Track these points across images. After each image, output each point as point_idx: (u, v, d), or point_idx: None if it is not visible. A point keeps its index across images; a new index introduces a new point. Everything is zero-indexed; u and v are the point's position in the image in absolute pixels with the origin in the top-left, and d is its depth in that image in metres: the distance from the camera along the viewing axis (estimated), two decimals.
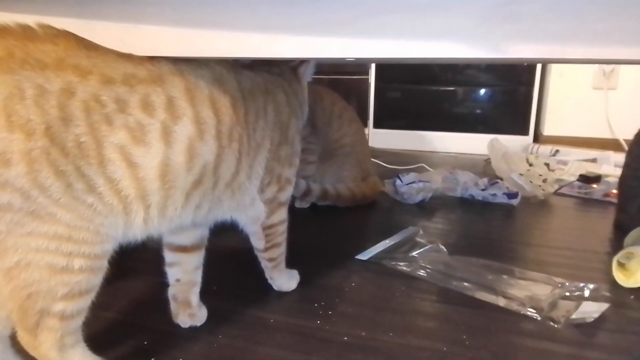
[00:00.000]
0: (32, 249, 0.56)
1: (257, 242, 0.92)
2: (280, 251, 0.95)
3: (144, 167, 0.61)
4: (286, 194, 0.90)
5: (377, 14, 0.50)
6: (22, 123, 0.52)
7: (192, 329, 0.84)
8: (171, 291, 0.86)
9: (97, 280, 0.63)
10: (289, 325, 0.86)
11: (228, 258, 1.11)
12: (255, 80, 0.79)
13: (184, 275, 0.85)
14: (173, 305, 0.86)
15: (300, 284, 0.99)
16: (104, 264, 0.63)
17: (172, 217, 0.68)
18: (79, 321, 0.63)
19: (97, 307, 0.65)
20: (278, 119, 0.83)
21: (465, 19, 0.48)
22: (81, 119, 0.56)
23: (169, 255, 0.85)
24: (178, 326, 0.85)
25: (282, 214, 0.91)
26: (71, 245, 0.58)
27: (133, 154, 0.60)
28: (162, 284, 0.87)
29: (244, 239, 0.93)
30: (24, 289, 0.57)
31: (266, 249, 0.92)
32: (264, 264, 0.96)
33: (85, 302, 0.62)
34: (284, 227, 0.93)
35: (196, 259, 0.85)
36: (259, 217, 0.87)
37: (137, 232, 0.65)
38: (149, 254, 1.00)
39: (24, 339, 0.61)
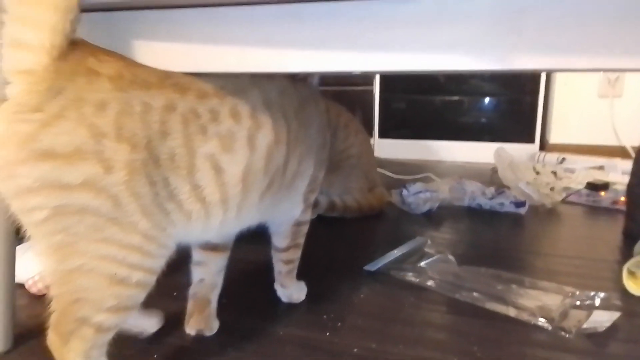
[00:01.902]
0: (101, 255, 0.56)
1: (282, 240, 0.93)
2: (298, 255, 0.96)
3: (228, 172, 0.65)
4: (314, 196, 0.95)
5: (384, 28, 0.51)
6: (129, 136, 0.56)
7: (201, 342, 0.84)
8: (192, 290, 0.86)
9: (143, 296, 0.63)
10: (298, 338, 0.86)
11: (237, 271, 1.11)
12: (306, 90, 0.84)
13: (208, 276, 0.86)
14: (190, 305, 0.86)
15: (308, 296, 0.99)
16: (153, 281, 0.64)
17: (245, 218, 0.73)
18: (109, 336, 0.63)
19: None
20: (322, 125, 0.88)
21: (470, 31, 0.48)
22: (178, 131, 0.60)
23: (198, 254, 0.85)
24: (187, 340, 0.85)
25: (309, 214, 0.95)
26: (138, 256, 0.59)
27: (221, 160, 0.64)
28: (173, 297, 0.87)
29: (252, 251, 0.93)
30: (74, 294, 0.57)
31: (289, 248, 0.94)
32: (279, 268, 0.96)
33: (125, 317, 0.63)
34: (307, 228, 0.96)
35: (222, 261, 0.87)
36: (296, 216, 0.91)
37: (212, 234, 0.71)
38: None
39: (54, 342, 0.61)
